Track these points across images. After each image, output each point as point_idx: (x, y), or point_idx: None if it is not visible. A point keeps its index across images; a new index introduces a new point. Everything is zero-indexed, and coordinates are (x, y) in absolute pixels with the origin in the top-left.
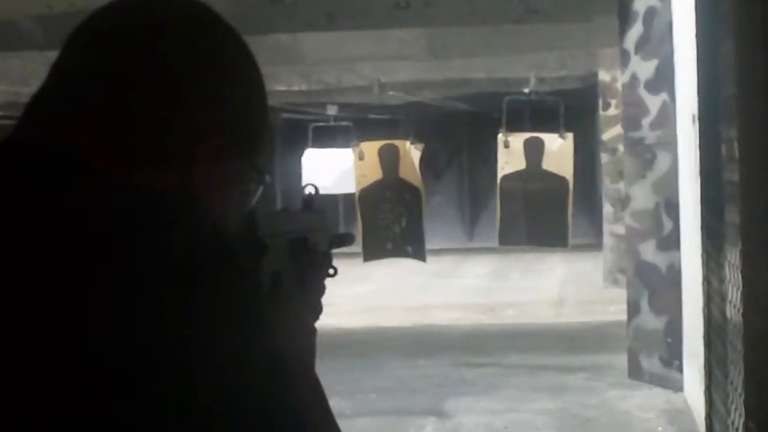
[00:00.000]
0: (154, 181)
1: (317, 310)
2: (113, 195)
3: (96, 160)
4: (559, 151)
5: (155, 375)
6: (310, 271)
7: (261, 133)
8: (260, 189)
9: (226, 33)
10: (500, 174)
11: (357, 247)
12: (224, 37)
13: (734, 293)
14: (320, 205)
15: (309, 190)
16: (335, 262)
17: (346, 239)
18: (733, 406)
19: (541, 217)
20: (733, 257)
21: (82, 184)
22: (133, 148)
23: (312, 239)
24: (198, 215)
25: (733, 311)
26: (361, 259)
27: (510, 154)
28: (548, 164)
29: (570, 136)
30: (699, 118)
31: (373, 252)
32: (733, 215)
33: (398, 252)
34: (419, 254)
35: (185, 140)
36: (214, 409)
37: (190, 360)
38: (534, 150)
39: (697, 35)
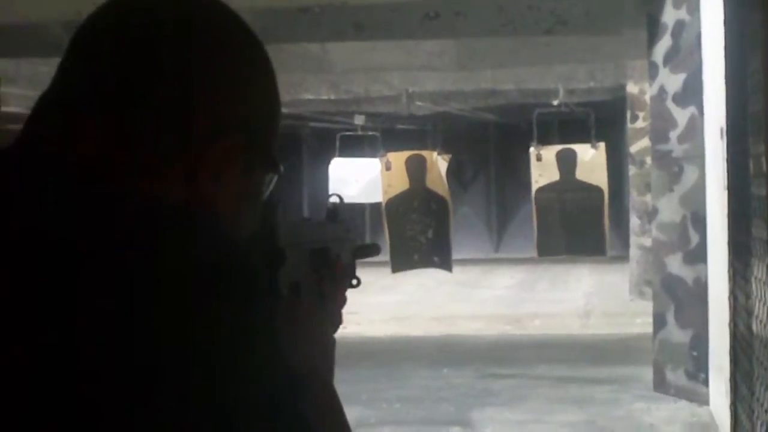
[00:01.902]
0: (166, 188)
1: (337, 321)
2: (126, 206)
3: (102, 168)
4: (591, 161)
5: (178, 382)
6: (331, 282)
7: (272, 129)
8: (274, 179)
9: (237, 30)
10: (534, 187)
11: (385, 257)
12: (236, 34)
13: (761, 308)
14: (344, 215)
15: (333, 200)
16: (362, 271)
17: (370, 250)
18: (759, 421)
19: (578, 227)
20: (760, 272)
21: (89, 196)
22: (141, 154)
23: (335, 250)
24: (212, 224)
25: (760, 326)
26: (388, 269)
27: (543, 167)
28: (582, 175)
29: (602, 145)
30: (727, 133)
31: (400, 263)
32: (760, 230)
33: (425, 262)
34: (445, 264)
35: (197, 143)
36: (228, 418)
37: (203, 370)
38: (567, 161)
39: (725, 49)
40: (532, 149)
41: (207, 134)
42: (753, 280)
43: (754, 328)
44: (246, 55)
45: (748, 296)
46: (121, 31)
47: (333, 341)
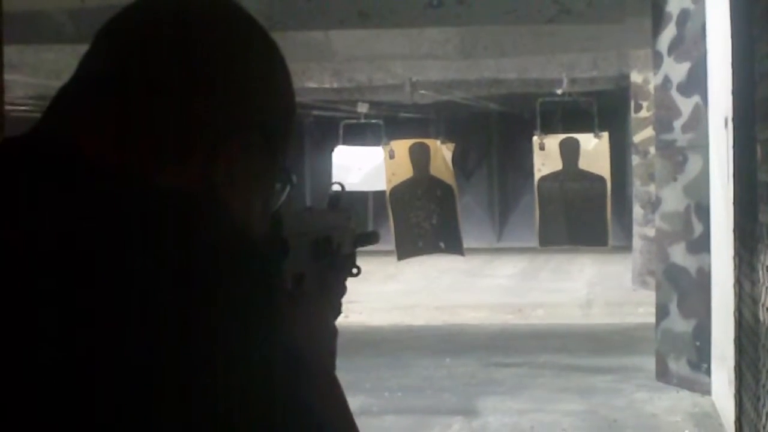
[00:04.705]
0: (177, 180)
1: (337, 310)
2: (134, 195)
3: (117, 158)
4: (594, 150)
5: (178, 373)
6: (333, 271)
7: (287, 133)
8: (287, 189)
9: (254, 30)
10: (537, 176)
11: (387, 245)
12: (252, 35)
13: (767, 296)
14: (346, 203)
15: (335, 188)
16: (365, 261)
17: (370, 238)
18: (765, 410)
19: (581, 217)
20: (766, 259)
21: (102, 184)
22: (157, 147)
23: (336, 238)
24: (221, 215)
25: (766, 314)
26: (391, 258)
27: (546, 156)
28: (585, 164)
29: (605, 135)
30: (733, 119)
31: (406, 250)
32: (766, 217)
33: (430, 249)
34: (454, 249)
35: (211, 138)
36: (231, 407)
37: (210, 359)
38: (570, 151)
39: (732, 36)
40: (535, 138)
41: (222, 130)
42: (759, 267)
43: (760, 315)
44: (267, 58)
45: (753, 284)
46: (144, 28)
47: (335, 331)
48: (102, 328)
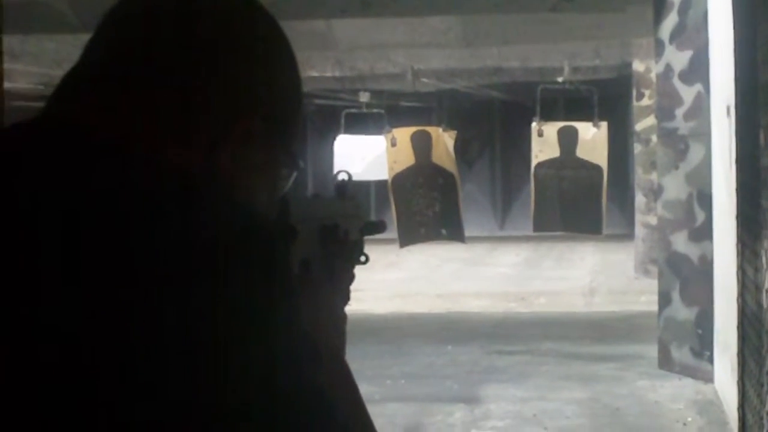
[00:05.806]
0: (182, 161)
1: (346, 297)
2: (140, 175)
3: (125, 138)
4: (593, 139)
5: (188, 357)
6: (340, 258)
7: (294, 118)
8: (293, 175)
9: (261, 16)
10: (534, 162)
11: (389, 233)
12: (260, 20)
13: None
14: (353, 191)
15: (342, 176)
16: (367, 248)
17: (378, 227)
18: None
19: (576, 204)
20: None
21: (109, 163)
22: (163, 129)
23: (344, 226)
24: (223, 197)
25: None
26: (393, 246)
27: (544, 143)
28: (582, 153)
29: (604, 125)
30: (736, 105)
31: (408, 238)
32: None
33: (432, 236)
34: (456, 236)
35: (217, 121)
36: (245, 391)
37: (221, 342)
38: (568, 138)
39: (734, 22)
40: (533, 125)
41: (226, 115)
42: (762, 253)
43: (763, 301)
44: (272, 44)
45: (757, 270)
46: (151, 11)
47: (344, 317)
48: (105, 316)
